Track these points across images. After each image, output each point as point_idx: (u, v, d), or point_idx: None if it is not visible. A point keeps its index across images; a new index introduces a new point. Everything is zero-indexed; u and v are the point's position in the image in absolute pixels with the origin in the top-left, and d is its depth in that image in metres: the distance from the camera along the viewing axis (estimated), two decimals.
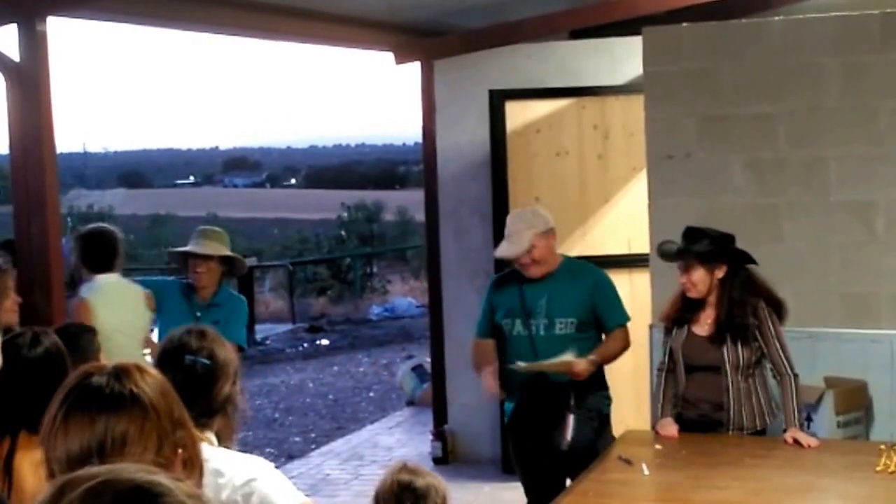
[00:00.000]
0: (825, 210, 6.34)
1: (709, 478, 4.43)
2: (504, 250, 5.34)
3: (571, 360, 5.09)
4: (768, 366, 4.99)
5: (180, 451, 1.81)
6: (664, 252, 5.14)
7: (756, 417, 4.98)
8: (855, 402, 5.76)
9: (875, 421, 5.82)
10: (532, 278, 5.33)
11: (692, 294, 4.98)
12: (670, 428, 4.99)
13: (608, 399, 5.46)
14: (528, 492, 5.46)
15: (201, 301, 5.78)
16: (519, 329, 5.33)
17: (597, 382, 5.34)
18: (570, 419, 5.16)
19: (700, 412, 5.03)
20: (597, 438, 5.23)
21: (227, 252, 5.85)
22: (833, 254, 6.35)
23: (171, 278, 6.35)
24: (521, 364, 5.12)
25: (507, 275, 5.59)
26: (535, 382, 5.26)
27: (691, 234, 5.03)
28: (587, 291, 5.34)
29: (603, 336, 5.41)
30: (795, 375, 4.92)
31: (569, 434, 5.14)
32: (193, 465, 1.84)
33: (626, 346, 5.38)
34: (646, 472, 4.51)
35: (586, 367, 5.12)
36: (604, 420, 5.39)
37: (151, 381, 1.83)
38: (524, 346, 5.27)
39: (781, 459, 4.62)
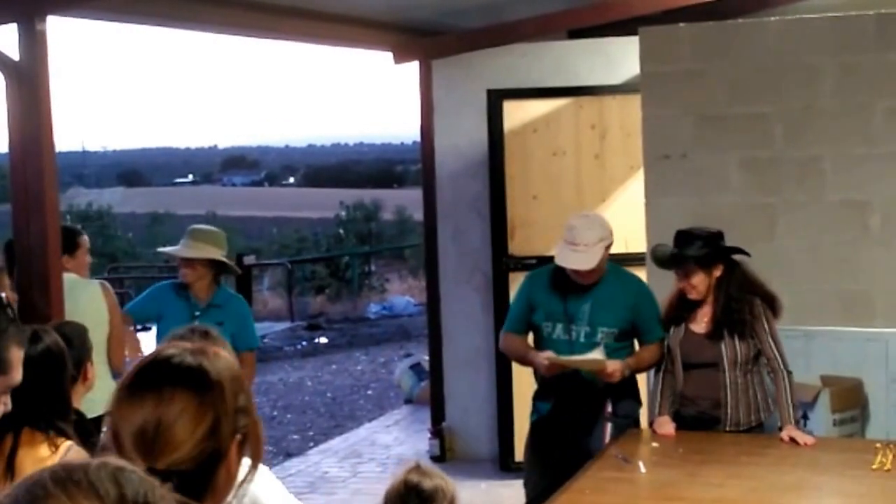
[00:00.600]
0: (821, 209, 6.37)
1: (705, 475, 4.45)
2: (573, 262, 5.08)
3: (604, 360, 5.01)
4: (764, 361, 5.03)
5: (239, 437, 1.83)
6: (659, 258, 5.13)
7: (752, 413, 5.01)
8: (851, 401, 5.79)
9: (871, 419, 5.85)
10: (576, 282, 5.19)
11: (693, 296, 5.01)
12: (667, 427, 5.02)
13: (640, 404, 5.44)
14: (533, 490, 5.35)
15: (199, 302, 5.74)
16: (559, 333, 5.21)
17: (631, 388, 5.31)
18: (609, 426, 5.13)
19: (699, 409, 5.06)
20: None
21: (216, 254, 5.73)
22: (828, 252, 6.38)
23: (166, 282, 6.26)
24: (551, 354, 5.06)
25: (550, 273, 5.39)
26: (573, 385, 5.19)
27: (683, 238, 5.04)
28: (630, 302, 5.23)
29: (637, 345, 5.35)
30: (789, 373, 4.95)
31: (607, 440, 5.08)
32: (255, 456, 1.87)
33: (660, 359, 5.24)
34: (642, 469, 4.54)
35: (619, 369, 5.05)
36: (637, 425, 5.37)
37: (223, 362, 1.86)
38: (563, 350, 5.14)
39: (777, 457, 4.64)
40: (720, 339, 4.98)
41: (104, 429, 2.97)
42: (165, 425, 1.74)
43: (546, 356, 5.09)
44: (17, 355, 2.18)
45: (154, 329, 6.14)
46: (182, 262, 5.72)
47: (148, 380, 1.80)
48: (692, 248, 4.97)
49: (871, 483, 4.28)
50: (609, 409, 5.15)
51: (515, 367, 7.26)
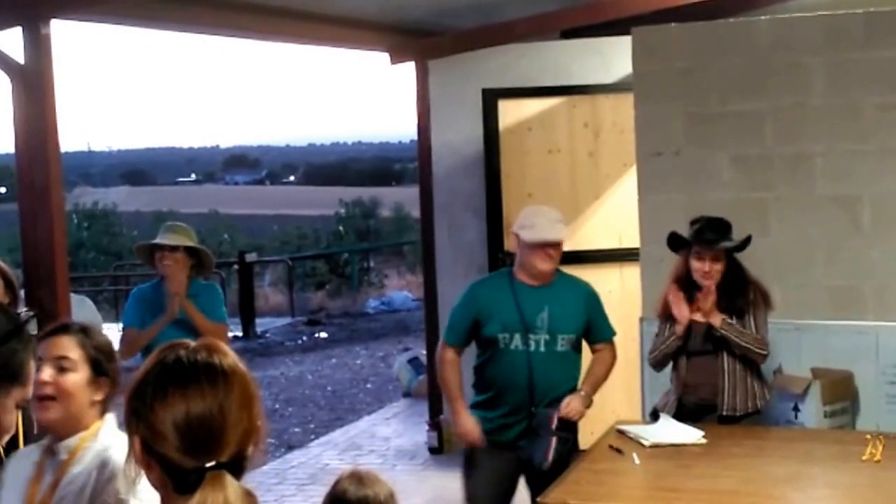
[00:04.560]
0: (811, 204, 6.41)
1: (698, 467, 4.49)
2: (546, 231, 4.97)
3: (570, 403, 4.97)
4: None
5: (259, 422, 1.92)
6: (706, 239, 5.07)
7: (749, 400, 5.09)
8: (841, 393, 5.80)
9: (861, 411, 5.86)
10: (526, 285, 5.04)
11: (708, 282, 5.06)
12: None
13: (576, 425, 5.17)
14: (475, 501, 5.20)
15: (177, 297, 5.86)
16: (517, 344, 4.98)
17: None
18: (553, 441, 4.93)
19: (699, 396, 5.13)
20: (570, 457, 4.99)
21: (193, 243, 5.91)
22: (819, 247, 6.42)
23: (139, 287, 6.43)
24: (478, 432, 5.04)
25: (493, 280, 5.32)
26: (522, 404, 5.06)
27: (718, 225, 5.11)
28: (583, 304, 5.12)
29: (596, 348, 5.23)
30: (765, 355, 5.11)
31: (550, 455, 4.92)
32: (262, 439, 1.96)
33: (613, 362, 5.20)
34: (636, 461, 4.58)
35: (579, 408, 4.99)
36: (576, 435, 5.16)
37: (230, 356, 1.94)
38: (520, 363, 4.99)
39: (770, 449, 4.68)
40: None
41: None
42: (224, 420, 1.82)
43: (475, 435, 5.03)
44: (34, 370, 2.25)
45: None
46: (164, 254, 5.85)
47: (190, 378, 1.85)
48: (729, 237, 5.07)
49: (861, 474, 4.31)
50: (555, 423, 4.95)
51: None
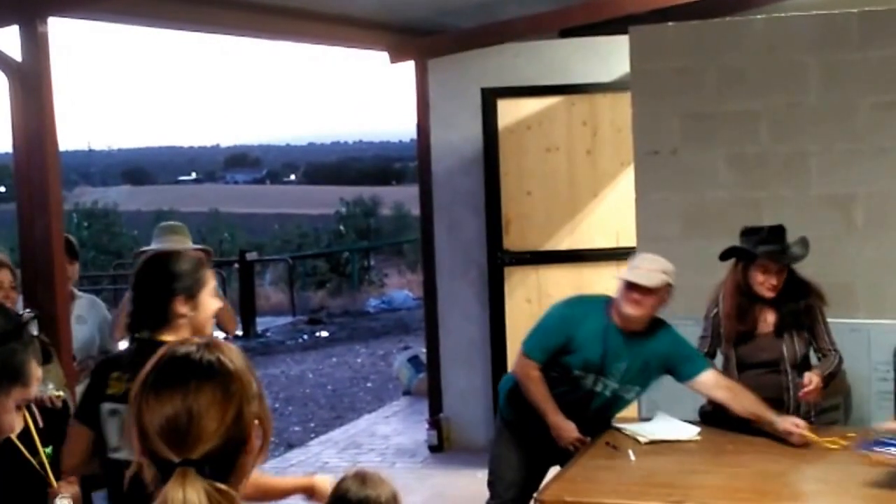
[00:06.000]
0: (806, 203, 6.41)
1: (692, 463, 4.54)
2: (638, 277, 4.81)
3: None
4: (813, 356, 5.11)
5: (256, 422, 1.92)
6: (770, 253, 4.95)
7: (810, 412, 5.08)
8: (834, 390, 5.85)
9: (853, 408, 5.90)
10: (617, 329, 4.91)
11: (770, 295, 4.99)
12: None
13: None
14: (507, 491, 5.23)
15: None
16: (588, 382, 4.95)
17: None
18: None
19: None
20: None
21: (191, 245, 5.84)
22: (814, 245, 6.35)
23: None
24: (577, 435, 4.90)
25: (592, 311, 5.05)
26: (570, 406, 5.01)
27: (781, 234, 5.02)
28: (663, 356, 4.96)
29: (700, 381, 4.95)
30: (841, 359, 5.10)
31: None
32: (266, 437, 1.96)
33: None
34: (632, 457, 4.61)
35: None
36: None
37: (235, 353, 1.95)
38: (584, 397, 4.98)
39: (763, 446, 4.68)
40: (782, 339, 5.02)
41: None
42: (197, 418, 1.83)
43: (575, 437, 4.89)
44: (37, 371, 2.25)
45: None
46: None
47: (173, 376, 1.88)
48: (797, 248, 4.99)
49: (853, 471, 4.30)
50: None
51: (510, 358, 7.36)
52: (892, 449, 4.26)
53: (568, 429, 4.90)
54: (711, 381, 4.92)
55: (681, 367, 4.95)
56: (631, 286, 4.82)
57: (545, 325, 5.13)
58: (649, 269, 4.84)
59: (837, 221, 6.39)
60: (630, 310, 4.84)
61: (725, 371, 5.11)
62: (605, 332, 4.93)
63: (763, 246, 4.96)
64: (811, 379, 4.89)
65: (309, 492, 3.59)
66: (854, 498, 4.10)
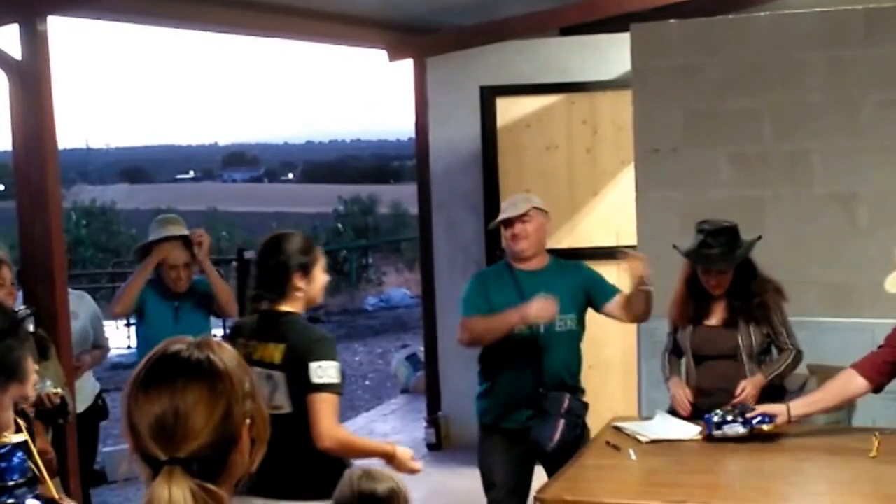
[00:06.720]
0: (809, 202, 6.42)
1: (693, 462, 4.50)
2: (505, 213, 5.14)
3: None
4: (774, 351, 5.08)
5: (248, 421, 1.91)
6: (706, 257, 4.94)
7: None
8: None
9: (857, 407, 5.89)
10: (525, 271, 5.15)
11: (718, 292, 5.00)
12: (683, 388, 5.08)
13: (587, 407, 5.26)
14: (493, 489, 5.29)
15: (177, 291, 5.84)
16: (521, 327, 5.03)
17: (579, 390, 5.27)
18: (561, 423, 5.03)
19: (714, 401, 4.95)
20: (579, 443, 5.02)
21: (187, 231, 5.87)
22: (816, 244, 6.42)
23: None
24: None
25: (494, 269, 5.43)
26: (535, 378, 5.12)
27: (724, 234, 4.96)
28: (579, 283, 5.20)
29: (612, 304, 5.17)
30: (798, 351, 5.04)
31: (556, 437, 5.02)
32: (260, 438, 1.95)
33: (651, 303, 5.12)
34: (633, 457, 4.58)
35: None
36: (584, 428, 5.22)
37: (227, 352, 1.94)
38: (525, 345, 5.08)
39: (764, 444, 4.64)
40: (736, 329, 5.00)
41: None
42: (184, 416, 1.82)
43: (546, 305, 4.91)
44: (32, 367, 2.23)
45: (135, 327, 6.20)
46: (165, 247, 5.80)
47: (161, 374, 1.87)
48: (739, 251, 4.94)
49: (856, 469, 4.30)
50: (565, 406, 5.07)
51: None
52: (733, 427, 4.60)
53: (534, 306, 4.90)
54: (622, 301, 5.15)
55: (597, 293, 5.20)
56: (505, 225, 5.14)
57: (464, 298, 5.29)
58: (512, 203, 5.20)
59: (841, 220, 6.38)
60: (515, 245, 5.14)
61: (685, 363, 5.18)
62: (513, 279, 5.17)
63: (704, 249, 4.96)
64: (744, 388, 4.90)
65: (390, 458, 3.94)
66: (861, 497, 4.08)
